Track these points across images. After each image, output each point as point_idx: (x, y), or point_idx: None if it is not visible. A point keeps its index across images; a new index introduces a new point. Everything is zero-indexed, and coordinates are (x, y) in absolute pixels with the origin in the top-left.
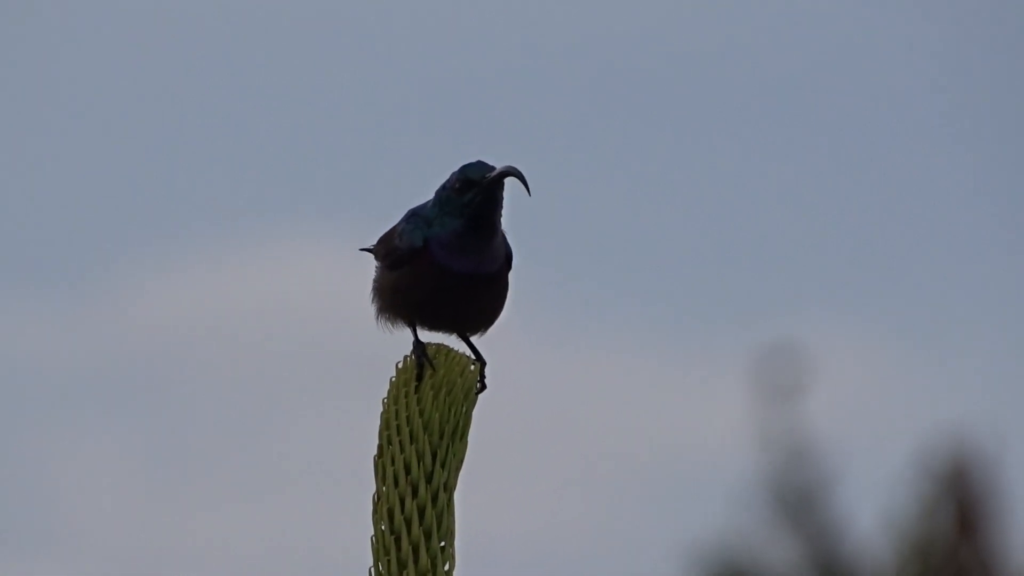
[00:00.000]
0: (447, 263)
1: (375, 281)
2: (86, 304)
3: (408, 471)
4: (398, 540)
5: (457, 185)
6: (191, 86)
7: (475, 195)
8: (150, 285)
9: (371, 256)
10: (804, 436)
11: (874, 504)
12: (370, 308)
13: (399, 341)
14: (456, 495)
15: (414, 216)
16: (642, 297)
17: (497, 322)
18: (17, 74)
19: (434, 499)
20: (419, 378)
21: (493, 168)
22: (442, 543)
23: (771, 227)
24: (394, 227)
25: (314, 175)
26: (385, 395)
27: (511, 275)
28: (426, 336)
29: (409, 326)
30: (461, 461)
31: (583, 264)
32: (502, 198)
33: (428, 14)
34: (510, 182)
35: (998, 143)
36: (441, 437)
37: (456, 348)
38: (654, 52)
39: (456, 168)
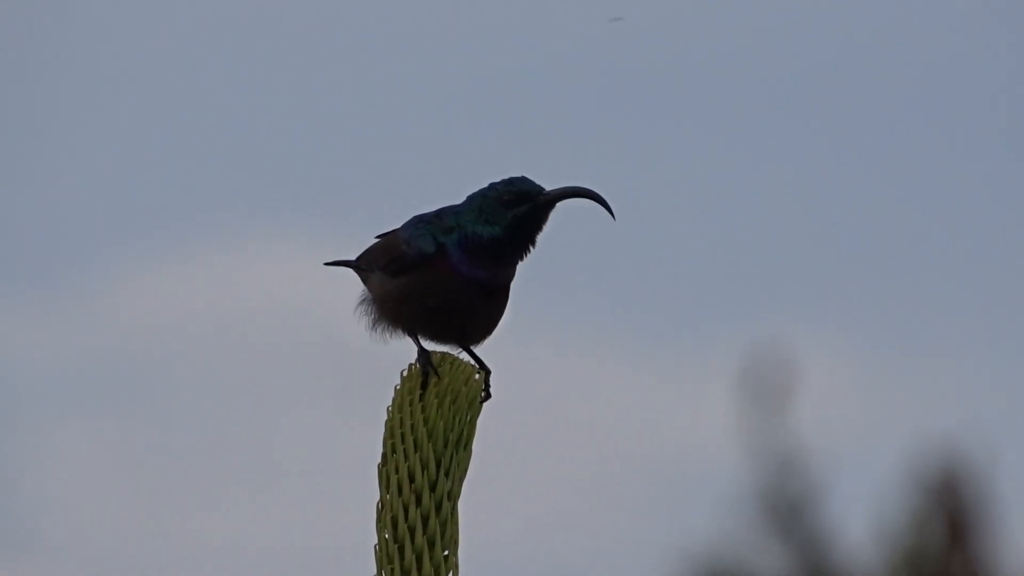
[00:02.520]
0: (462, 268)
1: (370, 291)
2: (65, 304)
3: (412, 479)
4: (401, 549)
5: (506, 197)
6: (171, 84)
7: (529, 209)
8: (130, 285)
9: (339, 269)
10: (793, 445)
11: (864, 513)
12: (361, 319)
13: (402, 348)
14: (459, 504)
15: (422, 223)
16: (632, 303)
17: (495, 332)
18: None
19: (438, 508)
20: (424, 386)
21: (540, 186)
22: (445, 552)
23: (759, 234)
24: (391, 234)
25: (298, 173)
26: (389, 403)
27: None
28: (428, 346)
29: (410, 335)
30: (465, 470)
31: (576, 270)
32: (549, 217)
33: (414, 13)
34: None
35: (986, 146)
36: (445, 446)
37: (461, 357)
38: (623, 62)
39: (498, 179)
